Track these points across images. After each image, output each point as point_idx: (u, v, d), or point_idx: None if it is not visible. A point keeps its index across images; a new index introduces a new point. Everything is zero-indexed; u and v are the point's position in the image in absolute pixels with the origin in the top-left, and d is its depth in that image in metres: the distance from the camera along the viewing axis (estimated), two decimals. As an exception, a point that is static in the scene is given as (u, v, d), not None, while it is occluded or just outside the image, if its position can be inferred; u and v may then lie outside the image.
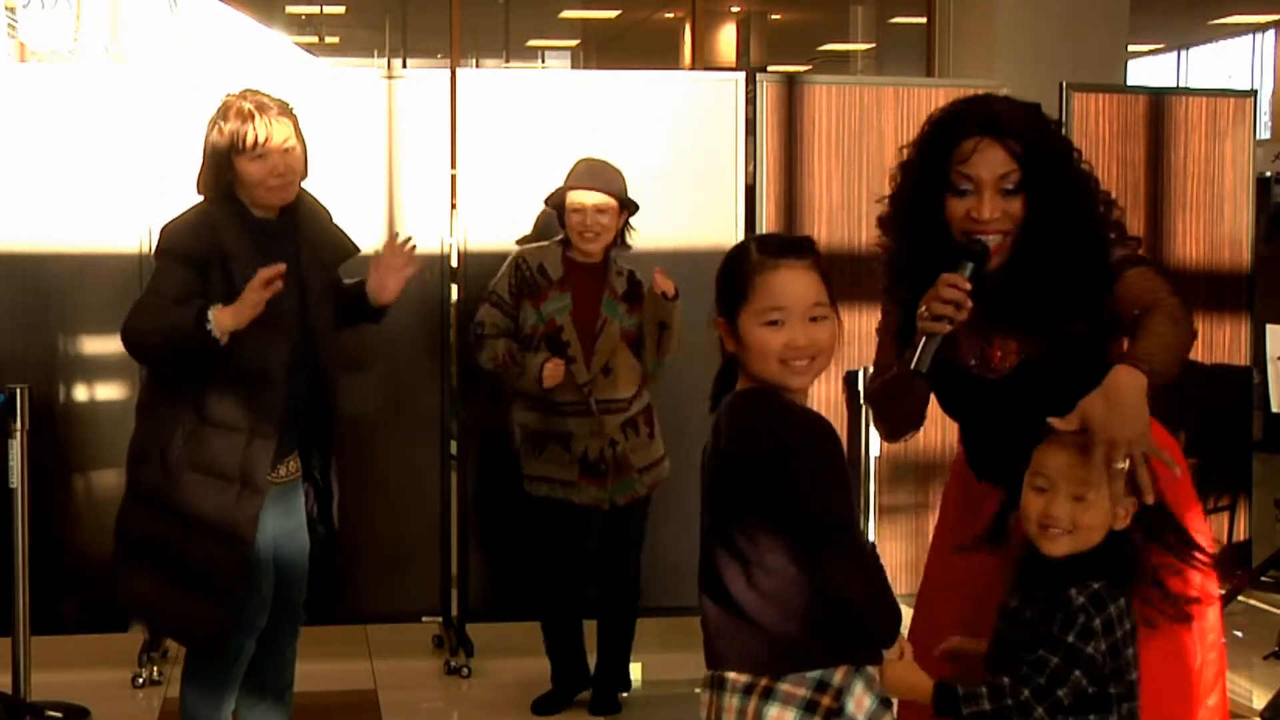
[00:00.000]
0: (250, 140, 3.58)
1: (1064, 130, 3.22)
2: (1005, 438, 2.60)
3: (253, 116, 3.60)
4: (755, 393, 2.42)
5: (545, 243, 4.72)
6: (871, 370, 3.00)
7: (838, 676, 2.38)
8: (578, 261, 4.62)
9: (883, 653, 2.45)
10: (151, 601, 3.65)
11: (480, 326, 4.62)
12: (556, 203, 4.63)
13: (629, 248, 4.70)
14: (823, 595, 2.34)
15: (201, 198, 3.70)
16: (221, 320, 3.46)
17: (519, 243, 4.88)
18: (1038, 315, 2.71)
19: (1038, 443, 2.48)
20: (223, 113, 3.64)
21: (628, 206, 4.64)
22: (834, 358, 2.45)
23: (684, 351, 4.66)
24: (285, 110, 3.67)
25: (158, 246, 3.64)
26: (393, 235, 3.86)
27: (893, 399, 2.87)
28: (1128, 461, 2.39)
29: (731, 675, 2.40)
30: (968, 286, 2.61)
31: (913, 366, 2.63)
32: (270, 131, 3.60)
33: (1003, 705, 2.38)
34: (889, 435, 2.97)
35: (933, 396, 2.89)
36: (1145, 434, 2.41)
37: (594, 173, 4.61)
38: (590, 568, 4.74)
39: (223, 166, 3.61)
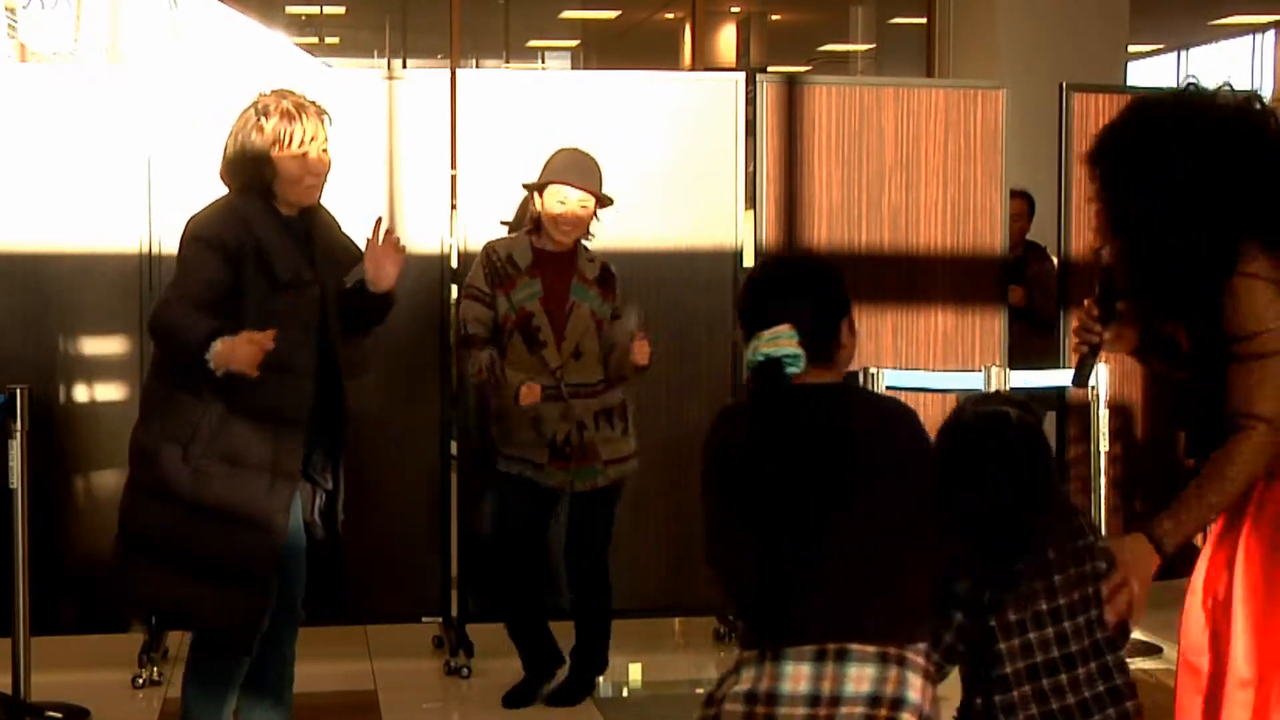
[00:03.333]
0: (296, 139, 3.65)
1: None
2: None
3: (298, 116, 3.66)
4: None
5: (513, 235, 4.77)
6: None
7: None
8: (546, 250, 4.67)
9: None
10: (177, 598, 3.65)
11: (464, 325, 4.66)
12: (538, 188, 4.67)
13: (593, 237, 4.73)
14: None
15: (225, 190, 3.73)
16: (219, 358, 3.46)
17: (503, 223, 4.91)
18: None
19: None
20: (263, 110, 3.67)
21: (603, 201, 4.69)
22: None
23: (684, 351, 4.67)
24: (322, 112, 3.75)
25: (188, 236, 3.64)
26: (378, 221, 3.89)
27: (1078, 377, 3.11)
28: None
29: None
30: (1095, 313, 2.87)
31: (1077, 380, 3.06)
32: (316, 132, 3.69)
33: None
34: None
35: None
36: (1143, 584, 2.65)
37: (580, 169, 4.65)
38: (553, 562, 4.83)
39: (261, 162, 3.65)
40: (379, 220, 3.94)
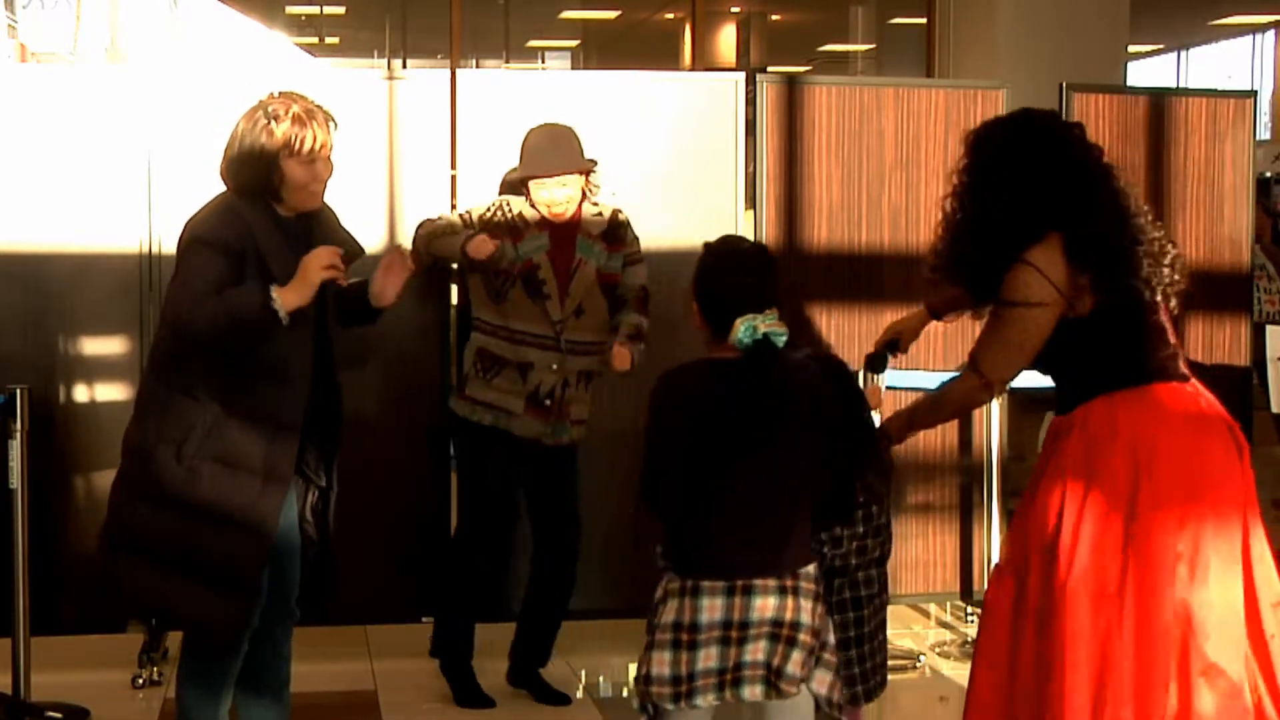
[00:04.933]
0: (308, 145, 3.64)
1: None
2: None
3: (308, 121, 3.65)
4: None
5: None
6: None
7: None
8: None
9: None
10: (165, 598, 3.65)
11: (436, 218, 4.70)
12: (517, 182, 4.69)
13: (597, 189, 4.74)
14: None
15: (221, 189, 3.72)
16: (287, 299, 3.51)
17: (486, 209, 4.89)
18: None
19: None
20: (273, 114, 3.65)
21: (585, 169, 4.68)
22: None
23: (682, 351, 4.64)
24: (329, 118, 3.74)
25: (189, 236, 3.63)
26: (396, 245, 3.93)
27: None
28: None
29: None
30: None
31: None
32: (325, 138, 3.68)
33: None
34: None
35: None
36: None
37: (555, 153, 4.63)
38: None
39: (269, 167, 3.63)
40: (398, 247, 3.95)
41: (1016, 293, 3.32)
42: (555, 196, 4.62)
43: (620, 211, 4.78)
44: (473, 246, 4.53)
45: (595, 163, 4.72)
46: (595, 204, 4.75)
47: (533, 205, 4.68)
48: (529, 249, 4.62)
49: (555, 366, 4.63)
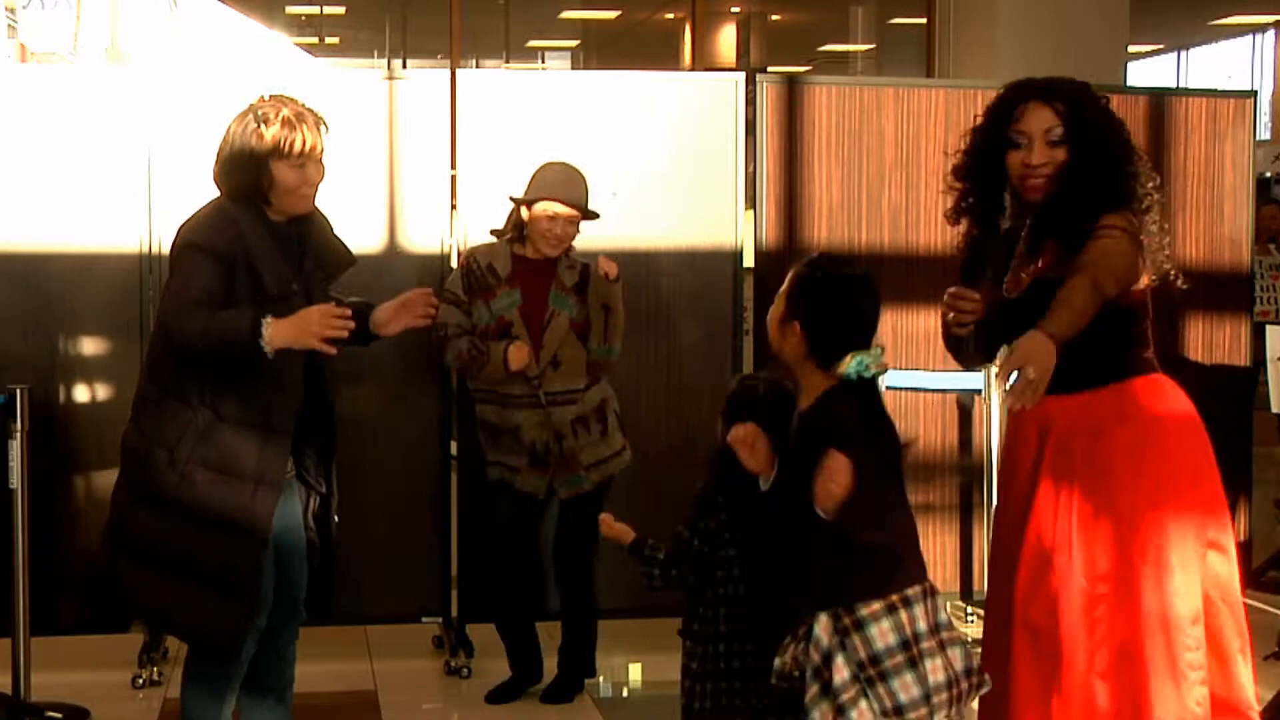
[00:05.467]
0: (297, 147, 3.61)
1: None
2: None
3: (298, 125, 3.63)
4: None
5: (494, 241, 4.76)
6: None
7: None
8: (528, 258, 4.68)
9: None
10: (162, 602, 3.65)
11: (443, 328, 4.66)
12: (527, 203, 4.66)
13: (573, 249, 4.74)
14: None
15: (217, 193, 3.71)
16: (276, 336, 3.45)
17: (493, 233, 4.88)
18: (1059, 231, 3.26)
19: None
20: (262, 117, 3.63)
21: (589, 216, 4.70)
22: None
23: (683, 350, 4.66)
24: (320, 121, 3.71)
25: (182, 242, 3.62)
26: (426, 290, 3.96)
27: (960, 357, 3.55)
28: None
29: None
30: (976, 295, 3.32)
31: (967, 359, 3.51)
32: (315, 141, 3.65)
33: None
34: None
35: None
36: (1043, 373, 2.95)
37: (571, 184, 4.66)
38: (545, 565, 4.90)
39: (258, 170, 3.62)
40: (428, 292, 3.97)
41: (1121, 223, 3.21)
42: (559, 226, 4.61)
43: (590, 265, 4.72)
44: (512, 362, 4.56)
45: (598, 215, 4.72)
46: (569, 257, 4.73)
47: (515, 237, 4.66)
48: (501, 307, 4.64)
49: (540, 423, 4.64)
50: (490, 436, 4.76)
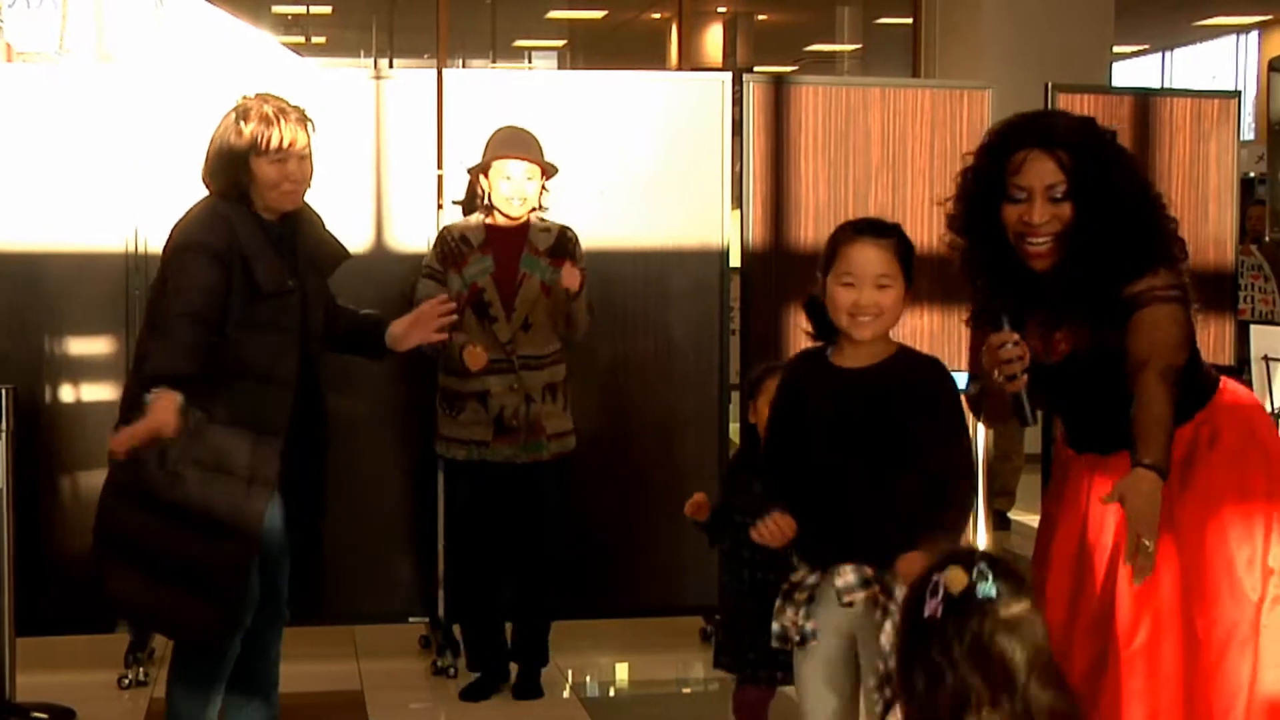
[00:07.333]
0: (274, 143, 3.62)
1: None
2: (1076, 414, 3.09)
3: (276, 120, 3.63)
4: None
5: (469, 218, 4.78)
6: (968, 377, 3.20)
7: None
8: (499, 226, 4.70)
9: None
10: (148, 601, 3.64)
11: (420, 303, 4.66)
12: (483, 169, 4.69)
13: (546, 210, 4.75)
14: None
15: (206, 193, 3.72)
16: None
17: (455, 202, 4.94)
18: (1080, 310, 2.93)
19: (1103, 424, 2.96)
20: (243, 114, 3.64)
21: (548, 171, 4.71)
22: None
23: (670, 349, 4.65)
24: (304, 118, 3.72)
25: (175, 244, 3.63)
26: (443, 299, 4.09)
27: (994, 418, 3.17)
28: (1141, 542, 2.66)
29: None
30: (1016, 336, 2.87)
31: (1027, 422, 2.95)
32: (294, 136, 3.65)
33: None
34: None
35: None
36: (1153, 528, 2.67)
37: (519, 141, 4.70)
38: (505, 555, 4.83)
39: (239, 167, 3.63)
40: (445, 299, 4.10)
41: (1158, 284, 2.91)
42: (516, 184, 4.63)
43: (570, 229, 4.77)
44: (469, 363, 4.57)
45: (557, 169, 4.74)
46: (544, 220, 4.75)
47: (485, 205, 4.68)
48: (473, 273, 4.65)
49: (514, 386, 4.64)
50: (451, 407, 4.70)
